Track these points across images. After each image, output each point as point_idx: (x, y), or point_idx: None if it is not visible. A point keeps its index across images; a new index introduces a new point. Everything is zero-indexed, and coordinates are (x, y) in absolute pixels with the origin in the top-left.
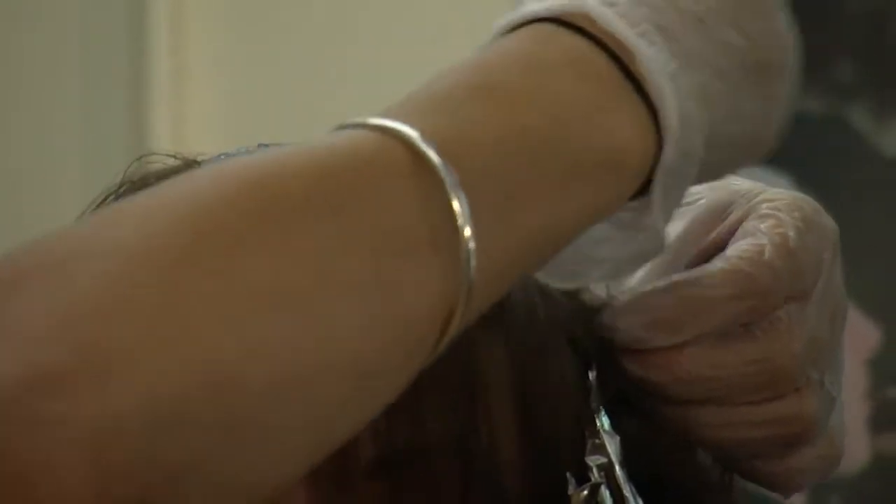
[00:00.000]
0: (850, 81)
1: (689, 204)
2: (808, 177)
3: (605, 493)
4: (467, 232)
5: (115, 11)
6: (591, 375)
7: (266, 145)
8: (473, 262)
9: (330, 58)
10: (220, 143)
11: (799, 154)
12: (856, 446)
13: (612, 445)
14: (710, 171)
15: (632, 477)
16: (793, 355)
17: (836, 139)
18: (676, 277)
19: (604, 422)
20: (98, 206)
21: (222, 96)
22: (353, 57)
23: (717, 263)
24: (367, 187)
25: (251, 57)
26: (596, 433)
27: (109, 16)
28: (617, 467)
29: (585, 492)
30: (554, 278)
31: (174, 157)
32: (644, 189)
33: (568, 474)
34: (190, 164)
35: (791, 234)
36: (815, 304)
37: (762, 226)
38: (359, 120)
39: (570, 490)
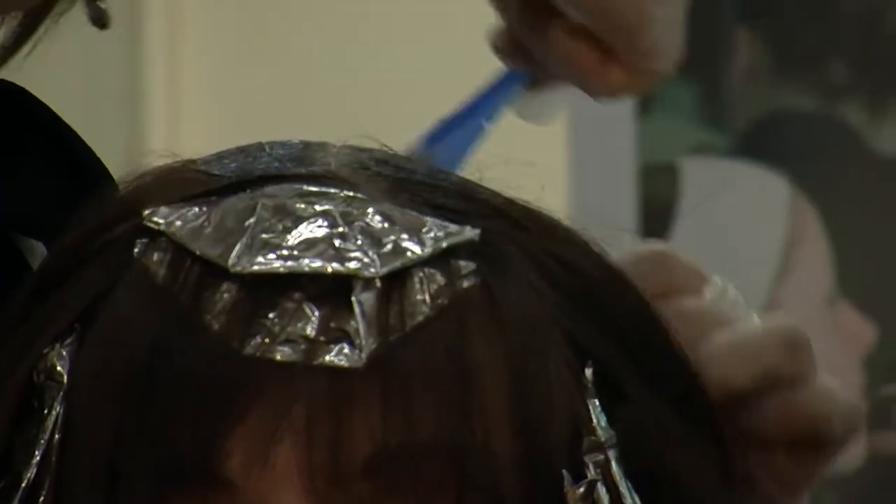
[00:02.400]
0: (845, 80)
1: None
2: (803, 175)
3: (601, 490)
4: None
5: (112, 9)
6: (588, 371)
7: (264, 144)
8: None
9: (326, 56)
10: (215, 142)
11: (794, 152)
12: (852, 445)
13: (608, 442)
14: None
15: (628, 472)
16: None
17: (830, 138)
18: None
19: (600, 418)
20: (93, 207)
21: (217, 94)
22: (350, 55)
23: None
24: None
25: (247, 55)
26: (592, 430)
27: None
28: (613, 463)
29: (582, 489)
30: None
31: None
32: None
33: (564, 472)
34: (187, 164)
35: None
36: None
37: None
38: None
39: (566, 488)
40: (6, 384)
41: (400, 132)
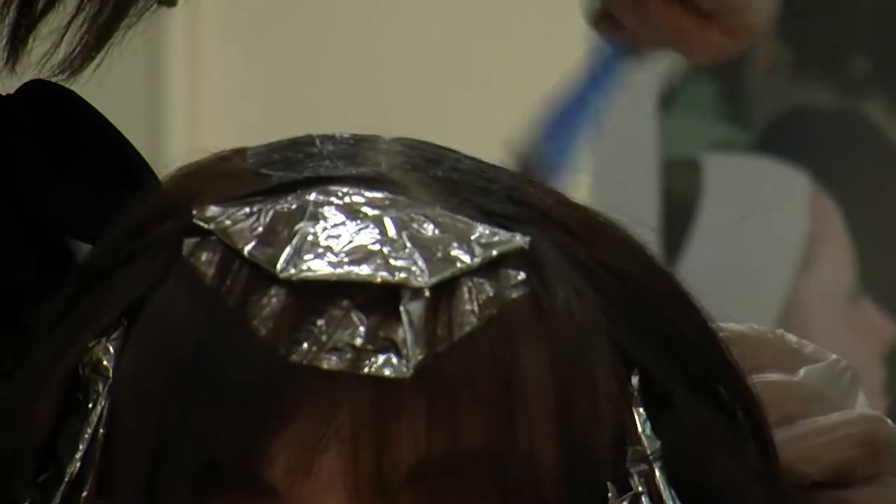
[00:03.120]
0: (865, 76)
1: None
2: (824, 171)
3: (645, 501)
4: None
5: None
6: (634, 380)
7: (314, 137)
8: None
9: (344, 53)
10: (234, 139)
11: (815, 149)
12: None
13: (653, 451)
14: None
15: (672, 481)
16: None
17: (851, 133)
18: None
19: (646, 427)
20: (140, 202)
21: (237, 92)
22: (371, 57)
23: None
24: None
25: (266, 52)
26: (638, 439)
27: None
28: (658, 474)
29: (626, 502)
30: None
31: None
32: None
33: (608, 483)
34: (235, 158)
35: None
36: None
37: None
38: None
39: (611, 500)
40: (50, 376)
41: (425, 133)
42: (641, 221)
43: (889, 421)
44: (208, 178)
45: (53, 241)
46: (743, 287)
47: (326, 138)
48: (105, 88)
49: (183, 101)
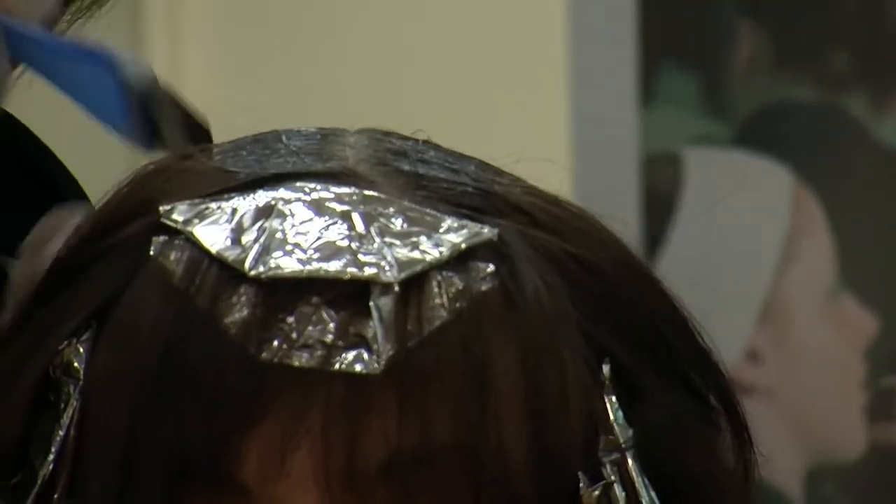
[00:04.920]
0: (847, 71)
1: None
2: (807, 167)
3: (617, 491)
4: None
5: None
6: (605, 368)
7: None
8: None
9: (329, 48)
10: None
11: (796, 143)
12: (853, 435)
13: (625, 440)
14: None
15: (645, 469)
16: None
17: (832, 128)
18: None
19: (617, 415)
20: (105, 202)
21: (220, 87)
22: (354, 46)
23: None
24: None
25: (249, 46)
26: (610, 428)
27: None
28: (630, 462)
29: (597, 492)
30: None
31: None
32: None
33: (580, 473)
34: (201, 157)
35: None
36: None
37: None
38: None
39: (582, 489)
40: (20, 378)
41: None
42: (621, 216)
43: None
44: (174, 176)
45: None
46: (724, 281)
47: (292, 133)
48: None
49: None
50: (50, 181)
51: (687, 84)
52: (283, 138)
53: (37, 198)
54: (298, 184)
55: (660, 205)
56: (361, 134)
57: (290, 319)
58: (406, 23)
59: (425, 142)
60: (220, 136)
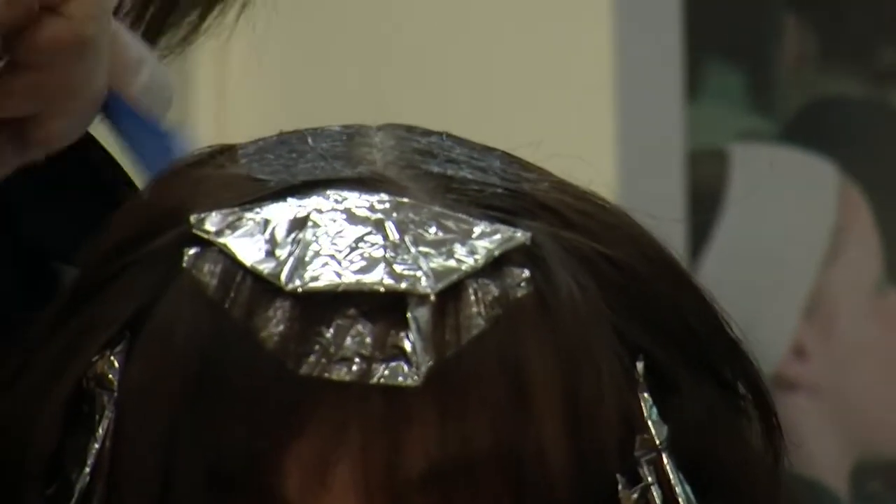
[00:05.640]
0: (893, 66)
1: None
2: (853, 162)
3: (655, 492)
4: None
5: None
6: (639, 366)
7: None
8: None
9: (367, 49)
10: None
11: (842, 139)
12: None
13: (660, 437)
14: None
15: (679, 464)
16: None
17: (879, 123)
18: None
19: (652, 412)
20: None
21: (264, 88)
22: (394, 45)
23: None
24: None
25: (292, 46)
26: (644, 426)
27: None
28: (666, 460)
29: (636, 494)
30: None
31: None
32: None
33: (618, 475)
34: (226, 163)
35: None
36: None
37: None
38: None
39: (621, 491)
40: (53, 390)
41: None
42: (667, 212)
43: None
44: (201, 182)
45: (40, 264)
46: (769, 278)
47: (318, 134)
48: None
49: (210, 99)
50: (115, 197)
51: (733, 79)
52: (309, 140)
53: (101, 212)
54: (329, 192)
55: (706, 200)
56: (386, 132)
57: (328, 333)
58: (452, 20)
59: (448, 135)
60: (262, 131)
